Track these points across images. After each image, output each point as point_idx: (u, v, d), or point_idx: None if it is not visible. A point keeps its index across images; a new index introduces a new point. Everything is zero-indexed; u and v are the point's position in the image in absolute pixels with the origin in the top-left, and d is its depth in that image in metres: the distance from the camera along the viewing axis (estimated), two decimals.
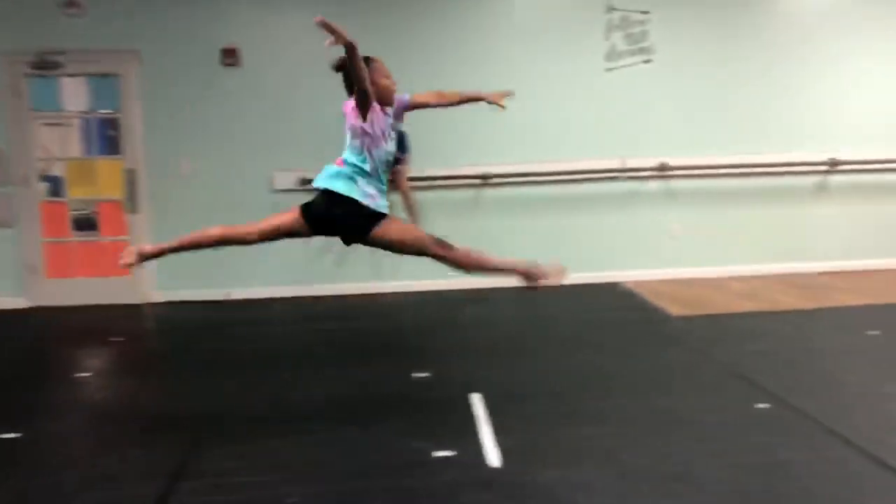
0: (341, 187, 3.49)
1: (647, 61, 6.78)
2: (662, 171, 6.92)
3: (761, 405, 3.88)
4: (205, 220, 3.79)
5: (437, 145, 6.61)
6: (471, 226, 6.83)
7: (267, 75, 6.67)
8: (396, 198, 5.40)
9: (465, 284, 6.81)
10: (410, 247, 3.62)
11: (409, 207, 5.79)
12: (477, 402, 4.01)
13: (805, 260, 7.23)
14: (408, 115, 3.74)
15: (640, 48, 6.75)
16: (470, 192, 6.88)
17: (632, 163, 6.94)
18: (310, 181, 3.82)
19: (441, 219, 5.92)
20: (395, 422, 3.74)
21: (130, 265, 3.69)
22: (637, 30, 6.72)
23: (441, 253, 3.62)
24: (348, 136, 3.56)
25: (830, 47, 7.07)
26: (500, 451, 3.37)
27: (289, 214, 3.60)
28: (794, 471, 3.14)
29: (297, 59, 6.58)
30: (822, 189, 7.21)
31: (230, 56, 6.60)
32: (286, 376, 4.59)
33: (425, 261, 3.67)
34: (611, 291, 6.70)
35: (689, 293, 6.50)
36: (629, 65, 6.78)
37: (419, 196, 6.03)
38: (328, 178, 3.54)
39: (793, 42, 7.01)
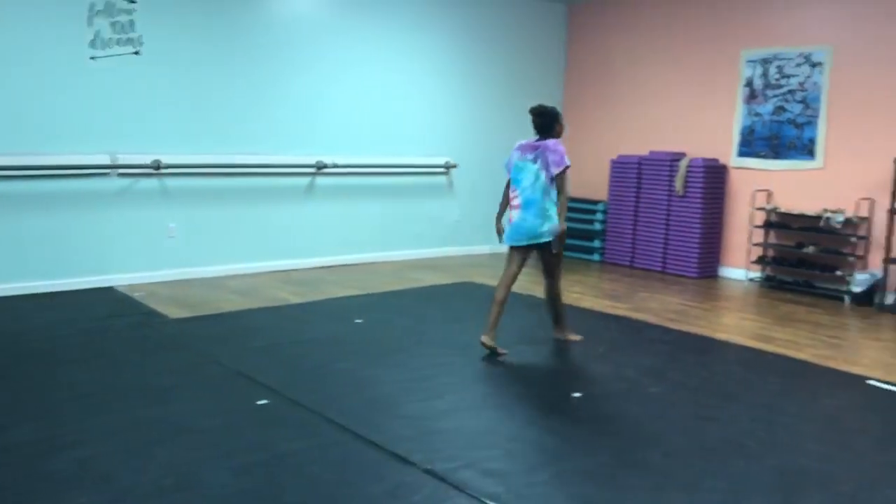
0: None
1: (136, 53, 6.44)
2: (157, 168, 6.65)
3: (262, 401, 3.96)
4: None
5: None
6: None
7: None
8: None
9: None
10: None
11: None
12: None
13: (299, 256, 7.65)
14: None
15: (129, 38, 6.38)
16: None
17: (124, 159, 6.53)
18: None
19: None
20: None
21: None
22: (123, 18, 6.33)
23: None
24: (544, 176, 4.80)
25: (314, 57, 7.57)
26: None
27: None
28: (294, 461, 3.26)
29: None
30: (311, 190, 7.70)
31: None
32: None
33: None
34: (104, 297, 6.22)
35: (189, 294, 6.37)
36: (117, 55, 6.36)
37: None
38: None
39: (281, 48, 7.33)
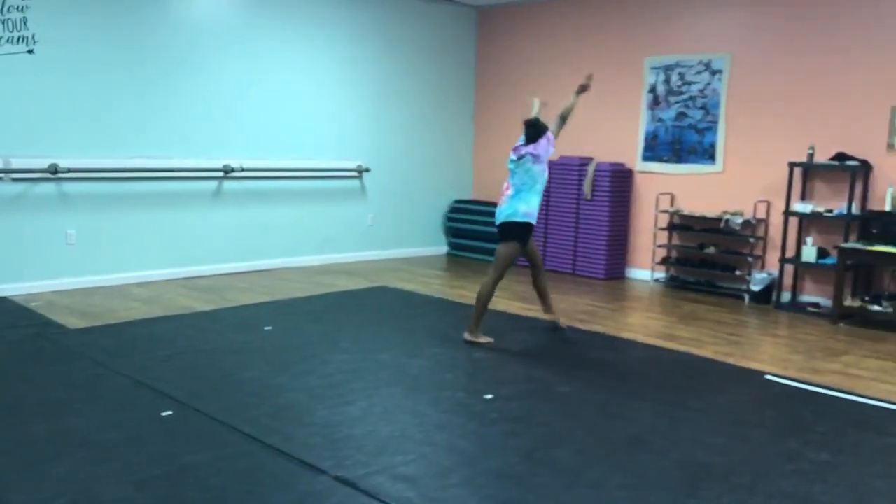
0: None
1: (29, 51, 6.16)
2: (54, 173, 6.37)
3: (166, 413, 3.83)
4: None
5: None
6: None
7: None
8: None
9: None
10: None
11: None
12: None
13: (206, 263, 7.46)
14: None
15: (21, 36, 6.09)
16: None
17: (17, 163, 6.23)
18: None
19: None
20: None
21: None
22: (15, 15, 6.04)
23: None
24: (537, 168, 5.26)
25: (220, 59, 7.40)
26: None
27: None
28: (199, 474, 3.17)
29: None
30: (218, 194, 7.53)
31: None
32: None
33: None
34: None
35: (90, 303, 6.13)
36: (8, 53, 6.06)
37: None
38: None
39: (186, 48, 7.14)
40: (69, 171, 6.46)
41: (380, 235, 8.96)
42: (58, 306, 5.98)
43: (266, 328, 5.55)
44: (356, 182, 8.68)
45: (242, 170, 7.57)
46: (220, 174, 7.47)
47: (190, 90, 7.21)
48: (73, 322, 5.53)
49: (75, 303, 6.12)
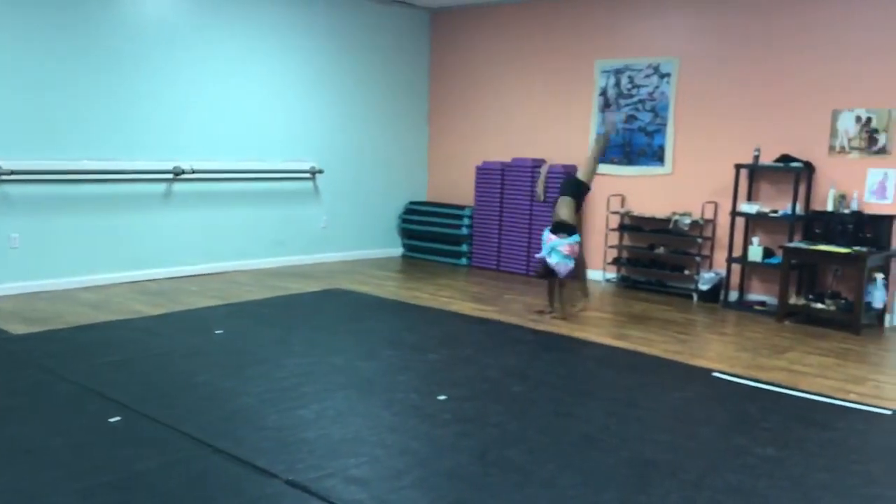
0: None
1: None
2: None
3: (114, 419, 3.76)
4: None
5: None
6: None
7: None
8: None
9: None
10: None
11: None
12: None
13: (156, 266, 7.34)
14: None
15: None
16: None
17: None
18: None
19: None
20: None
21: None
22: None
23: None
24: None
25: (169, 58, 7.29)
26: None
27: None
28: (148, 480, 3.12)
29: None
30: (168, 196, 7.41)
31: None
32: None
33: None
34: None
35: (35, 308, 5.98)
36: None
37: None
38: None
39: (133, 47, 7.02)
40: (12, 173, 6.31)
41: (333, 237, 8.91)
42: (1, 312, 5.83)
43: (217, 332, 5.48)
44: (309, 184, 8.62)
45: (193, 171, 7.47)
46: (170, 176, 7.36)
47: (138, 90, 7.09)
48: (16, 328, 5.40)
49: (19, 308, 5.97)
